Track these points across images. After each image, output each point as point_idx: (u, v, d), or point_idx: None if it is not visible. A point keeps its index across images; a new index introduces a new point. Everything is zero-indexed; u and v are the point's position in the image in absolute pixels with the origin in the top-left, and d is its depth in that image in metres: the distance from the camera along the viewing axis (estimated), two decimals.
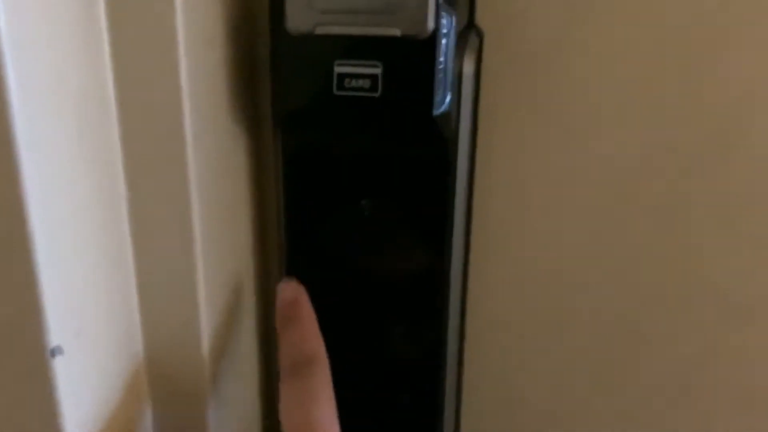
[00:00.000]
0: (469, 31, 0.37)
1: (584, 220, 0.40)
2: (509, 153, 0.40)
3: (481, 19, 0.38)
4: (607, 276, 0.41)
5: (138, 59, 0.31)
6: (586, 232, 0.40)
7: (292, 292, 0.37)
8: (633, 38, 0.37)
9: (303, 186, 0.39)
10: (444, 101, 0.34)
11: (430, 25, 0.33)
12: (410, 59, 0.33)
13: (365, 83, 0.34)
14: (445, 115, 0.35)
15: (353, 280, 0.40)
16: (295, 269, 0.40)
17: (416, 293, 0.40)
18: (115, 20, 0.30)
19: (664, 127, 0.38)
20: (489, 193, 0.40)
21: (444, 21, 0.33)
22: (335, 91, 0.34)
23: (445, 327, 0.40)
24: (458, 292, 0.41)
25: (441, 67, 0.34)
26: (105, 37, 0.31)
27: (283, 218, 0.40)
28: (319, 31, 0.33)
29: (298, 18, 0.34)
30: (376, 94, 0.34)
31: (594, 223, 0.40)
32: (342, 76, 0.34)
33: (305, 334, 0.35)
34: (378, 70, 0.34)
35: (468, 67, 0.36)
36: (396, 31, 0.33)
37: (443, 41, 0.33)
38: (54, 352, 0.28)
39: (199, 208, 0.34)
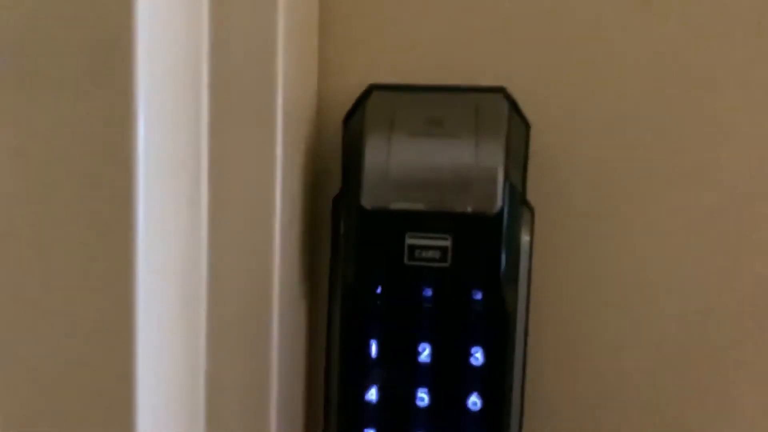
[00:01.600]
0: (522, 207, 0.40)
1: (630, 385, 0.42)
2: (560, 322, 0.42)
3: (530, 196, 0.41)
4: None
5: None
6: (634, 397, 0.42)
7: None
8: (673, 208, 0.40)
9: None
10: (508, 272, 0.37)
11: (499, 203, 0.36)
12: (479, 233, 0.36)
13: (435, 254, 0.36)
14: (509, 284, 0.37)
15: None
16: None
17: None
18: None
19: (708, 294, 0.41)
20: (541, 355, 0.42)
21: (509, 198, 0.36)
22: (406, 261, 0.36)
23: None
24: None
25: (508, 241, 0.36)
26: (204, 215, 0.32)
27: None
28: (394, 206, 0.36)
29: (374, 194, 0.36)
30: (446, 265, 0.36)
31: (641, 390, 0.42)
32: (413, 248, 0.36)
33: None
34: (448, 243, 0.36)
35: (525, 239, 0.39)
36: (467, 208, 0.36)
37: (510, 216, 0.36)
38: None
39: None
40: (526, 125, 0.40)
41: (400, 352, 0.38)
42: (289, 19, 0.34)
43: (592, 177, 0.41)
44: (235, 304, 0.33)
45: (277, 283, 0.33)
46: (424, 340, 0.38)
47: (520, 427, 0.42)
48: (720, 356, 0.41)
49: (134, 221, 0.24)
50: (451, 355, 0.38)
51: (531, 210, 0.41)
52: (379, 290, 0.37)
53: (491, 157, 0.36)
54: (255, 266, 0.33)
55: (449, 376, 0.38)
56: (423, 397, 0.38)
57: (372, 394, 0.39)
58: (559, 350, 0.42)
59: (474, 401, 0.38)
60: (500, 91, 0.39)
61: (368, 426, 0.39)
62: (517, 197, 0.37)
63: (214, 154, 0.31)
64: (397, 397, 0.39)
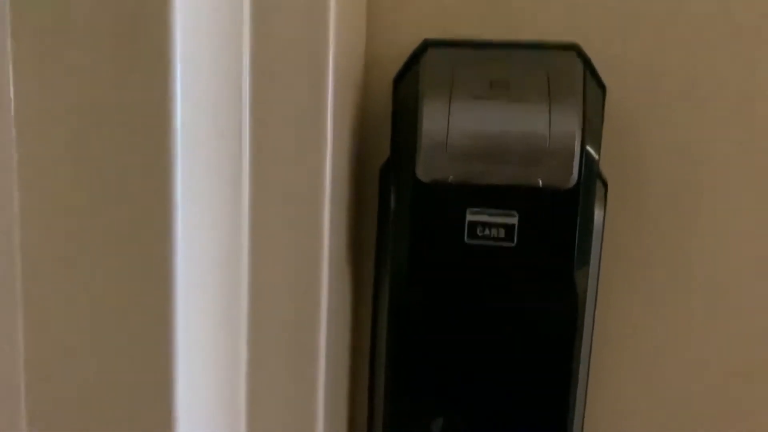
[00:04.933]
0: (597, 180, 0.36)
1: (699, 372, 0.38)
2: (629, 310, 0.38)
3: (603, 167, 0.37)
4: None
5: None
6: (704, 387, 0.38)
7: None
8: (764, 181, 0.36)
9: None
10: (581, 254, 0.33)
11: (575, 176, 0.31)
12: (551, 210, 0.32)
13: (500, 232, 0.32)
14: (582, 270, 0.33)
15: None
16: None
17: None
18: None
19: None
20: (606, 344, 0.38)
21: (586, 171, 0.32)
22: (466, 240, 0.32)
23: None
24: None
25: (584, 219, 0.32)
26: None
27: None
28: (454, 179, 0.32)
29: (431, 165, 0.32)
30: (512, 244, 0.32)
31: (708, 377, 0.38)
32: (474, 225, 0.32)
33: None
34: (515, 220, 0.32)
35: (599, 216, 0.34)
36: (537, 181, 0.31)
37: (587, 191, 0.32)
38: None
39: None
40: (602, 88, 0.35)
41: (457, 348, 0.35)
42: None
43: (673, 147, 0.36)
44: (279, 287, 0.29)
45: (326, 268, 0.29)
46: (485, 331, 0.34)
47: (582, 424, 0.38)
48: None
49: (173, 194, 0.20)
50: (513, 348, 0.34)
51: (605, 184, 0.36)
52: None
53: (566, 123, 0.32)
54: (303, 244, 0.29)
55: (512, 371, 0.34)
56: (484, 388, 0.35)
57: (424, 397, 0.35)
58: (626, 349, 0.38)
59: (536, 398, 0.34)
60: (573, 48, 0.35)
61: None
62: (594, 170, 0.33)
63: (257, 122, 0.27)
64: (455, 399, 0.35)
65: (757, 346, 0.37)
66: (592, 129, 0.33)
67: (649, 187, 0.37)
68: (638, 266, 0.37)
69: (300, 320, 0.29)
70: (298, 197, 0.28)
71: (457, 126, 0.32)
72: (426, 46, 0.35)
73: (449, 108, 0.32)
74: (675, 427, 0.39)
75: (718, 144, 0.37)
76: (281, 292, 0.29)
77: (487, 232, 0.32)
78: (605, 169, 0.36)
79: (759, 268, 0.37)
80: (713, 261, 0.37)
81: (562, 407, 0.35)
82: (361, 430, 0.40)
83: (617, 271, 0.37)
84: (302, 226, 0.28)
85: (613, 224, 0.37)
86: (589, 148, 0.32)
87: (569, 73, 0.33)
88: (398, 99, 0.36)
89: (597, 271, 0.36)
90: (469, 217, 0.32)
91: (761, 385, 0.38)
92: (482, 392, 0.35)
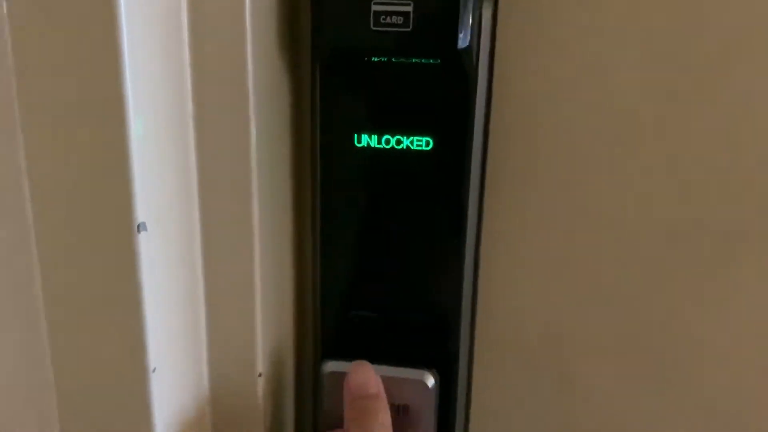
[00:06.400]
0: None
1: (587, 151, 0.45)
2: (522, 92, 0.45)
3: None
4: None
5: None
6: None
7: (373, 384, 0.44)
8: None
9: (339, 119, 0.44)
10: (466, 38, 0.40)
11: None
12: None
13: (398, 20, 0.40)
14: (467, 50, 0.40)
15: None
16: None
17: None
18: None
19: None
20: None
21: None
22: (372, 27, 0.40)
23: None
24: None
25: (466, 7, 0.39)
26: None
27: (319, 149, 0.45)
28: None
29: None
30: (408, 29, 0.39)
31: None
32: (378, 14, 0.40)
33: None
34: (409, 8, 0.39)
35: (486, 11, 0.42)
36: None
37: None
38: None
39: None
40: None
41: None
42: None
43: None
44: None
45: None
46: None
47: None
48: None
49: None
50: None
51: None
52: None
53: None
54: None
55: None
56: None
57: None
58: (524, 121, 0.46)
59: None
60: None
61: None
62: None
63: None
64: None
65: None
66: None
67: None
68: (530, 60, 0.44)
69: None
70: None
71: None
72: None
73: None
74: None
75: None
76: None
77: (388, 20, 0.40)
78: None
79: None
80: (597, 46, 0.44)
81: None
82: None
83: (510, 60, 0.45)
84: None
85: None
86: None
87: None
88: None
89: (489, 56, 0.43)
90: (374, 8, 0.40)
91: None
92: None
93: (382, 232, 0.46)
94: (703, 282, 0.47)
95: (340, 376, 0.45)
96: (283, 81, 0.45)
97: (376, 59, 0.42)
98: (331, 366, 0.47)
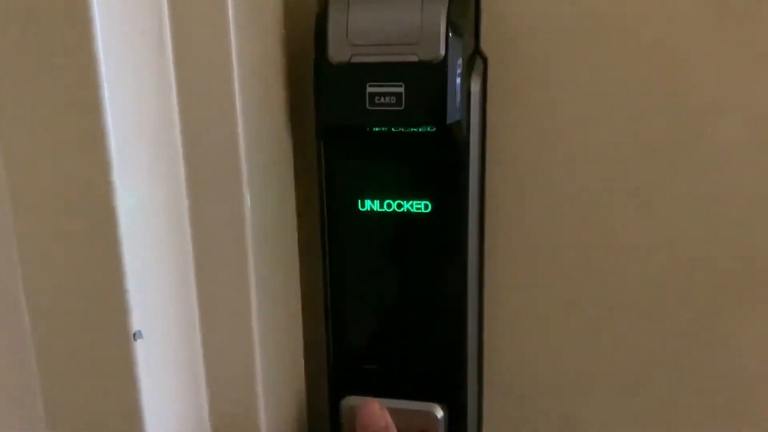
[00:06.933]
0: (475, 56, 0.45)
1: (579, 208, 0.48)
2: (514, 156, 0.48)
3: (485, 45, 0.46)
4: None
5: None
6: (582, 220, 0.48)
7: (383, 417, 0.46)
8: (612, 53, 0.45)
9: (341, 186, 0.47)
10: (455, 113, 0.43)
11: (442, 51, 0.41)
12: (427, 79, 0.42)
13: (391, 99, 0.43)
14: (457, 124, 0.43)
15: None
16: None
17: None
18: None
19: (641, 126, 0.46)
20: (500, 190, 0.49)
21: (452, 48, 0.42)
22: (368, 107, 0.43)
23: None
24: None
25: (452, 85, 0.42)
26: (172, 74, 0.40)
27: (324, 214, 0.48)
28: (355, 60, 0.42)
29: (338, 51, 0.43)
30: (401, 108, 0.43)
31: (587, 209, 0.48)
32: (373, 95, 0.43)
33: None
34: (401, 89, 0.42)
35: (475, 86, 0.45)
36: (414, 58, 0.42)
37: (454, 64, 0.42)
38: None
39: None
40: None
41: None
42: None
43: (547, 27, 0.46)
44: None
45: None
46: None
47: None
48: None
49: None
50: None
51: (484, 59, 0.46)
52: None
53: (433, 11, 0.42)
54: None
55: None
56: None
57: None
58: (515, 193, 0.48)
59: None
60: None
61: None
62: (465, 47, 0.43)
63: None
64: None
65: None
66: (462, 13, 0.43)
67: (527, 62, 0.46)
68: (518, 122, 0.47)
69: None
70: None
71: (355, 23, 0.42)
72: None
73: (348, 10, 0.43)
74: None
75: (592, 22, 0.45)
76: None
77: (382, 100, 0.43)
78: (487, 48, 0.46)
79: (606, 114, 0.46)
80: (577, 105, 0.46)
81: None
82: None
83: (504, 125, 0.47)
84: None
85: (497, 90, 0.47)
86: (458, 29, 0.42)
87: None
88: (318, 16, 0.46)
89: (480, 126, 0.46)
90: (369, 90, 0.43)
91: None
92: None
93: (388, 289, 0.49)
94: (710, 323, 0.48)
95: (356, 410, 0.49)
96: (286, 153, 0.48)
97: (376, 129, 0.45)
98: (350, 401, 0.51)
